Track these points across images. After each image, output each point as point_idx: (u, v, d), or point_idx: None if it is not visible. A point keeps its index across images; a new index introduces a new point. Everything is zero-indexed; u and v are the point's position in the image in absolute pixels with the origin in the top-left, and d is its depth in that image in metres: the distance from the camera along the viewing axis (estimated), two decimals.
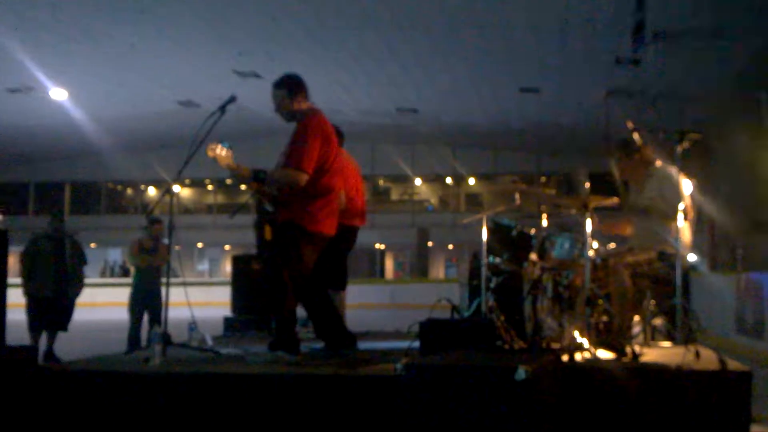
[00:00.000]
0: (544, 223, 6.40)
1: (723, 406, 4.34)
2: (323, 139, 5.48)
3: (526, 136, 32.03)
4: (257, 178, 5.45)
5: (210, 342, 6.39)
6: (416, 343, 5.37)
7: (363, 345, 6.25)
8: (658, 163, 5.96)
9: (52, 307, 10.07)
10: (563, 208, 6.38)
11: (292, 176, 5.41)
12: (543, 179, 38.23)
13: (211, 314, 9.02)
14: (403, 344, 5.72)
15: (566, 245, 5.88)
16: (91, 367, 5.19)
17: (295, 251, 5.43)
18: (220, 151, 5.47)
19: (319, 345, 5.78)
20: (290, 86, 5.65)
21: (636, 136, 5.98)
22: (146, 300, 10.53)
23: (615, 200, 5.63)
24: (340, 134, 7.66)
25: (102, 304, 26.21)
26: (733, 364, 4.53)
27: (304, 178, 5.36)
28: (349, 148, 7.45)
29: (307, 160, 5.37)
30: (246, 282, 8.90)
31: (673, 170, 5.71)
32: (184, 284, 6.03)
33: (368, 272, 41.54)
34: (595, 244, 5.81)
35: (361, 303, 23.54)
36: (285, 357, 5.30)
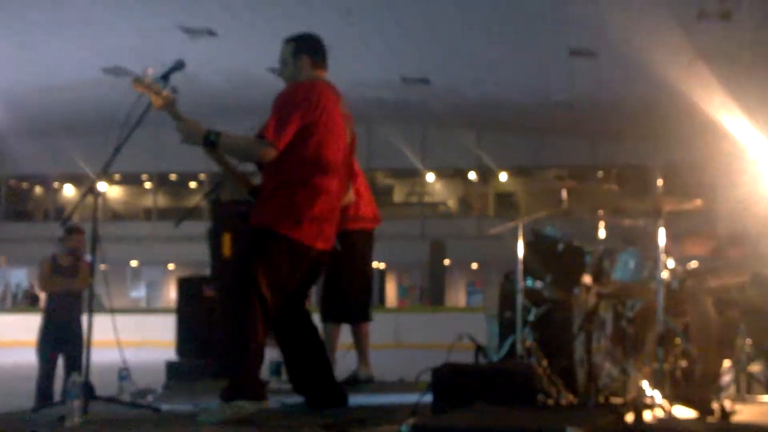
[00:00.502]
0: (602, 233, 6.40)
1: None
2: (308, 112, 5.53)
3: (578, 115, 32.04)
4: (208, 140, 5.45)
5: (149, 396, 6.38)
6: (428, 397, 5.37)
7: (356, 399, 6.25)
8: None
9: None
10: (628, 214, 6.38)
11: (252, 142, 5.50)
12: (600, 173, 38.25)
13: (149, 357, 9.05)
14: (411, 398, 5.71)
15: (631, 264, 5.88)
16: None
17: (268, 265, 5.44)
18: (155, 88, 5.49)
19: (295, 400, 5.79)
20: (299, 44, 5.89)
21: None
22: (62, 338, 10.51)
23: (698, 203, 5.64)
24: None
25: (2, 343, 26.21)
26: None
27: (268, 150, 5.43)
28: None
29: (277, 131, 5.44)
30: (196, 313, 8.90)
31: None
32: (113, 316, 6.03)
33: None
34: (671, 263, 5.82)
35: (351, 342, 23.55)
36: (247, 407, 5.29)
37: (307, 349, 5.64)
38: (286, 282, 5.53)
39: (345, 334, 7.78)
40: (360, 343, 7.85)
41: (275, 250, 5.48)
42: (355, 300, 7.63)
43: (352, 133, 6.00)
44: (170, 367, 8.66)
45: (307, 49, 5.88)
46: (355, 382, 7.51)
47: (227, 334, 5.60)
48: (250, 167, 6.01)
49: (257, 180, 5.86)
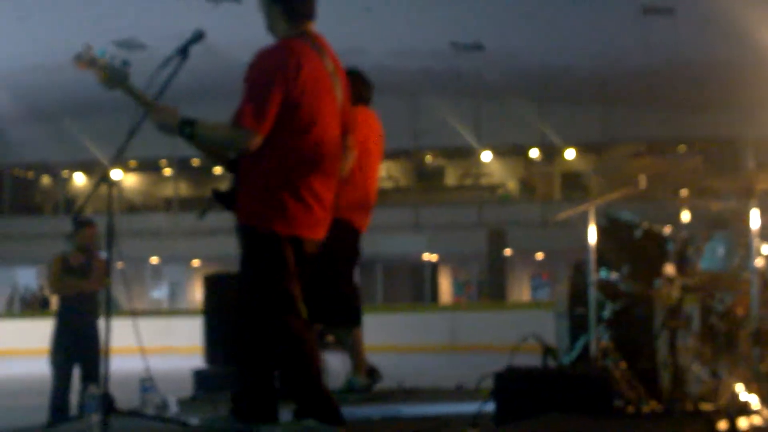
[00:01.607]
0: (686, 217, 6.37)
1: None
2: (289, 81, 5.30)
3: (655, 83, 31.86)
4: (183, 131, 5.33)
5: (174, 408, 6.43)
6: (490, 406, 5.37)
7: (408, 410, 6.27)
8: None
9: None
10: (716, 194, 6.35)
11: (230, 134, 5.32)
12: (682, 149, 38.01)
13: (174, 365, 9.12)
14: (470, 407, 5.73)
15: (720, 251, 5.86)
16: None
17: (261, 270, 5.40)
18: (102, 63, 5.44)
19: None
20: None
21: None
22: (77, 345, 10.63)
23: None
24: (364, 86, 7.68)
25: (9, 351, 26.54)
26: None
27: (251, 139, 5.23)
28: (379, 105, 7.48)
29: (256, 116, 5.24)
30: (226, 316, 8.95)
31: None
32: (134, 320, 6.09)
33: (413, 296, 41.59)
34: (766, 249, 5.78)
35: (402, 344, 23.62)
36: (317, 428, 5.27)
37: (299, 361, 5.58)
38: (286, 283, 5.48)
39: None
40: (354, 349, 7.77)
41: (281, 255, 5.38)
42: (356, 301, 7.59)
43: (346, 89, 5.73)
44: (198, 376, 8.72)
45: None
46: (351, 391, 7.45)
47: (280, 359, 5.55)
48: None
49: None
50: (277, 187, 5.34)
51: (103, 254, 10.38)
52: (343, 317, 7.49)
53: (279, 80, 5.29)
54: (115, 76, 5.47)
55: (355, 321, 7.60)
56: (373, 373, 7.62)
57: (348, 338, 7.59)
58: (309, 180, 5.39)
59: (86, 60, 5.45)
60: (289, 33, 5.51)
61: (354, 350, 7.65)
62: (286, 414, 5.79)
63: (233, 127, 5.25)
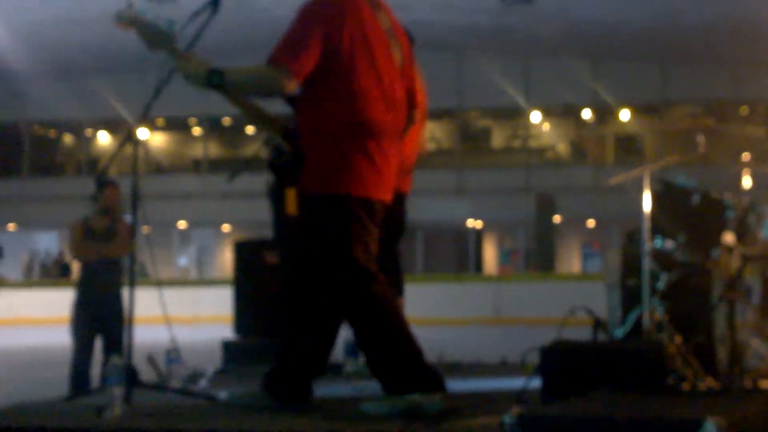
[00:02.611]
0: (747, 182, 6.34)
1: None
2: (336, 27, 5.27)
3: (713, 40, 31.67)
4: (211, 83, 5.30)
5: (202, 381, 6.47)
6: (536, 382, 5.38)
7: (450, 385, 6.29)
8: None
9: None
10: None
11: (263, 73, 5.31)
12: (744, 110, 37.78)
13: (202, 335, 9.17)
14: (515, 383, 5.74)
15: None
16: (13, 422, 5.30)
17: (349, 244, 5.38)
18: (143, 21, 5.39)
19: (371, 385, 5.81)
20: None
21: None
22: (99, 315, 10.70)
23: None
24: (408, 39, 7.68)
25: (28, 320, 26.78)
26: None
27: (285, 79, 5.18)
28: (421, 65, 7.47)
29: (288, 50, 5.20)
30: (257, 284, 8.99)
31: None
32: (159, 288, 6.12)
33: (457, 265, 41.62)
34: None
35: (444, 317, 23.64)
36: (419, 401, 5.26)
37: (395, 327, 5.54)
38: (368, 248, 5.47)
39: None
40: None
41: (356, 219, 5.36)
42: (398, 271, 7.60)
43: (408, 54, 5.74)
44: (227, 347, 8.76)
45: None
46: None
47: (361, 326, 5.55)
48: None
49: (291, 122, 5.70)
50: (345, 149, 5.33)
51: (127, 218, 10.42)
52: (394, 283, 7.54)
53: (319, 21, 5.25)
54: (159, 37, 5.41)
55: (398, 292, 7.65)
56: None
57: None
58: (375, 141, 5.37)
59: (128, 19, 5.39)
60: None
61: None
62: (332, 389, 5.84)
63: (266, 65, 5.21)
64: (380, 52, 5.42)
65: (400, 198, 7.31)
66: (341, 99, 5.31)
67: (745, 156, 6.41)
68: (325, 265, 5.43)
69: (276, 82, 5.19)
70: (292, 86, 5.21)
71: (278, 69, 5.17)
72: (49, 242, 42.14)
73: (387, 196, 5.53)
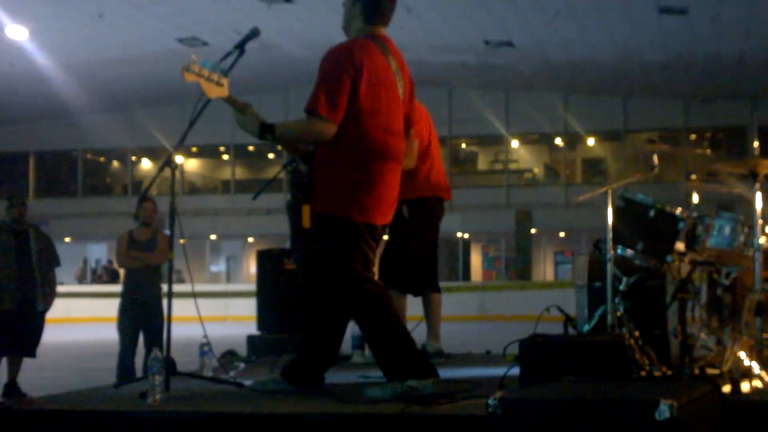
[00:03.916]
0: (695, 198, 6.34)
1: None
2: (357, 77, 5.33)
3: (669, 76, 31.63)
4: (264, 137, 5.40)
5: (231, 371, 6.47)
6: (515, 370, 5.38)
7: (443, 372, 6.28)
8: None
9: (14, 324, 10.25)
10: (723, 177, 6.31)
11: (307, 126, 5.36)
12: (693, 137, 37.72)
13: (230, 332, 9.16)
14: (498, 371, 5.73)
15: (727, 230, 5.82)
16: (68, 405, 5.30)
17: (356, 253, 5.42)
18: (206, 74, 5.41)
19: (377, 374, 5.82)
20: None
21: None
22: (142, 314, 10.69)
23: None
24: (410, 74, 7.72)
25: (81, 319, 26.76)
26: None
27: (327, 127, 5.26)
28: (418, 96, 7.47)
29: (328, 103, 5.25)
30: (276, 287, 8.99)
31: None
32: (194, 292, 6.11)
33: (448, 273, 41.55)
34: None
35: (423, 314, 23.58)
36: (416, 386, 5.27)
37: (392, 324, 5.58)
38: (364, 263, 5.51)
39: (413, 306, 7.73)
40: (430, 315, 7.84)
41: (359, 239, 5.42)
42: (422, 269, 7.61)
43: (409, 87, 5.74)
44: (251, 341, 8.75)
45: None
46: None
47: (368, 326, 5.58)
48: None
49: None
50: (352, 179, 5.39)
51: (166, 231, 10.42)
52: (428, 284, 7.56)
53: (348, 72, 5.31)
54: (217, 88, 5.47)
55: (436, 287, 7.68)
56: (442, 354, 7.71)
57: (430, 303, 7.68)
58: (379, 171, 5.44)
59: (194, 72, 5.41)
60: (360, 34, 5.55)
61: (431, 317, 7.73)
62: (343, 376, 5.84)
63: (310, 119, 5.30)
64: (388, 92, 5.50)
65: (441, 205, 7.39)
66: (353, 133, 5.36)
67: (694, 176, 6.41)
68: (332, 275, 5.49)
69: (321, 133, 5.30)
70: (333, 131, 5.28)
71: (321, 120, 5.26)
72: (99, 252, 42.11)
73: (386, 220, 5.60)
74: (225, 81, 5.47)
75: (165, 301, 6.12)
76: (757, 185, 5.36)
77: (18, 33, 26.24)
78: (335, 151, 5.37)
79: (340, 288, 5.49)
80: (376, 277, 5.55)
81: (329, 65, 5.37)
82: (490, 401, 4.16)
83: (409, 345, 5.48)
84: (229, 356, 8.05)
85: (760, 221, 5.35)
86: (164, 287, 8.99)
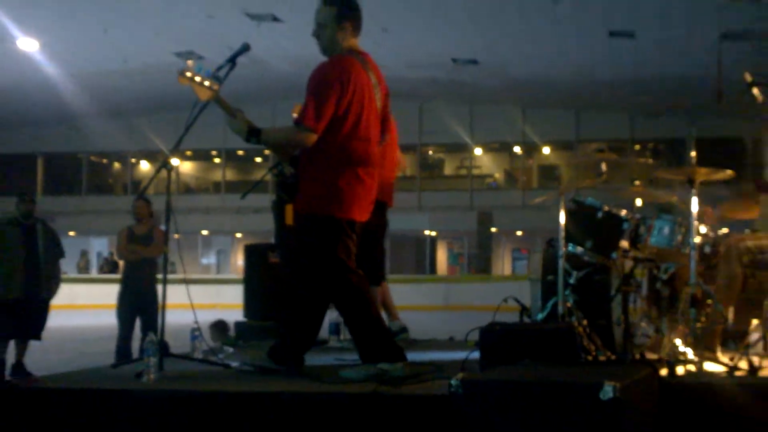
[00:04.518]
0: (639, 202, 6.37)
1: None
2: (343, 91, 5.35)
3: (617, 92, 31.76)
4: (249, 140, 5.38)
5: (219, 354, 6.46)
6: (476, 354, 5.39)
7: (409, 357, 6.29)
8: None
9: (21, 311, 10.20)
10: (663, 184, 6.36)
11: (291, 134, 5.42)
12: (637, 147, 37.89)
13: (219, 318, 9.11)
14: (460, 355, 5.74)
15: (666, 230, 5.86)
16: (70, 384, 5.28)
17: (339, 248, 5.43)
18: (199, 79, 5.38)
19: (352, 357, 5.83)
20: (342, 9, 5.55)
21: (755, 91, 5.95)
22: (139, 302, 10.66)
23: (729, 173, 5.59)
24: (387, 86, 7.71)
25: (84, 306, 26.61)
26: None
27: (309, 136, 5.28)
28: (392, 108, 7.48)
29: (315, 115, 5.27)
30: (262, 278, 8.96)
31: None
32: (186, 282, 6.10)
33: (416, 266, 41.58)
34: (703, 229, 5.79)
35: (406, 304, 23.59)
36: (387, 368, 5.27)
37: (369, 310, 5.59)
38: (347, 257, 5.53)
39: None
40: (385, 300, 7.85)
41: (341, 235, 5.44)
42: (377, 262, 7.62)
43: (385, 98, 5.76)
44: (238, 327, 8.73)
45: (350, 14, 5.56)
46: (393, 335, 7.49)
47: (348, 312, 5.58)
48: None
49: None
50: (334, 181, 5.40)
51: (162, 226, 10.39)
52: (374, 276, 7.56)
53: (336, 89, 5.33)
54: (209, 92, 5.43)
55: (381, 279, 7.69)
56: (404, 330, 7.72)
57: (378, 292, 7.66)
58: (358, 174, 5.46)
59: (187, 77, 5.39)
60: (344, 49, 5.55)
61: (386, 302, 7.73)
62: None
63: (295, 128, 5.35)
64: (368, 103, 5.52)
65: (384, 208, 7.36)
66: (336, 141, 5.39)
67: (637, 182, 6.44)
68: (317, 267, 5.48)
69: (304, 140, 5.33)
70: (314, 140, 5.31)
71: (304, 130, 5.29)
72: (101, 246, 41.91)
73: (364, 217, 5.60)
74: (217, 87, 5.44)
75: (160, 290, 6.10)
76: (693, 191, 5.39)
77: (29, 45, 26.17)
78: (319, 157, 5.39)
79: (325, 278, 5.49)
80: (355, 267, 5.53)
81: (319, 80, 5.38)
82: (452, 382, 4.17)
83: (383, 331, 5.52)
84: (218, 327, 8.04)
85: (696, 223, 5.38)
86: (159, 277, 8.97)
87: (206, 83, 5.40)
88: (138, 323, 10.74)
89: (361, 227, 5.63)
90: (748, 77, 5.96)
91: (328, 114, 5.30)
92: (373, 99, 5.59)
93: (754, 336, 5.54)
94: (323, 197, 5.41)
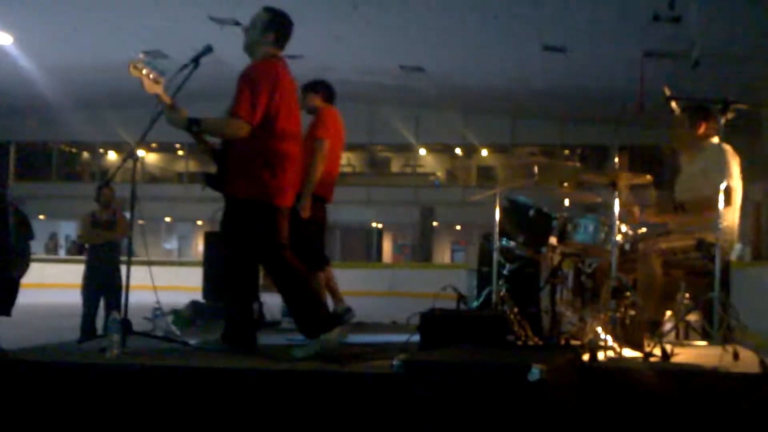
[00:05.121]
0: (566, 202, 6.43)
1: (763, 415, 4.39)
2: (273, 90, 5.42)
3: (549, 101, 31.99)
4: (190, 129, 5.40)
5: (178, 331, 6.41)
6: (416, 337, 5.41)
7: (355, 338, 6.30)
8: (713, 138, 5.97)
9: None
10: (589, 186, 6.42)
11: (228, 124, 5.42)
12: (566, 152, 38.23)
13: (179, 299, 9.05)
14: (402, 338, 5.77)
15: (591, 228, 5.91)
16: (38, 358, 5.22)
17: (274, 232, 5.46)
18: (147, 72, 5.40)
19: (300, 338, 5.82)
20: (273, 20, 5.66)
21: (673, 104, 6.03)
22: (102, 282, 10.55)
23: (648, 178, 5.65)
24: (331, 93, 7.68)
25: (52, 285, 26.28)
26: None
27: (244, 127, 5.32)
28: (342, 110, 7.47)
29: (249, 107, 5.33)
30: (219, 263, 8.91)
31: (718, 146, 5.78)
32: (149, 264, 6.05)
33: (363, 255, 41.60)
34: (624, 228, 5.85)
35: (353, 290, 23.60)
36: (330, 338, 5.31)
37: (308, 289, 5.59)
38: (285, 237, 5.56)
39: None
40: (329, 285, 7.81)
41: (273, 218, 5.48)
42: (317, 249, 7.60)
43: (297, 100, 5.88)
44: (198, 307, 8.67)
45: (277, 27, 5.65)
46: (339, 317, 7.47)
47: (286, 290, 5.58)
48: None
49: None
50: (267, 171, 5.44)
51: (126, 214, 10.30)
52: (316, 263, 7.53)
53: (267, 85, 5.39)
54: (155, 85, 5.45)
55: (323, 265, 7.66)
56: (349, 310, 7.70)
57: (318, 279, 7.63)
58: (283, 163, 5.51)
59: (138, 69, 5.38)
60: (269, 54, 5.61)
61: (331, 287, 7.71)
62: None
63: (232, 118, 5.35)
64: (293, 103, 5.63)
65: (324, 203, 7.33)
66: (266, 135, 5.43)
67: (566, 184, 6.49)
68: (255, 247, 5.52)
69: (239, 130, 5.34)
70: (247, 131, 5.33)
71: (240, 121, 5.31)
72: (69, 229, 41.39)
73: (289, 202, 5.66)
74: (161, 80, 5.47)
75: (122, 271, 6.05)
76: (616, 193, 5.45)
77: (3, 39, 25.82)
78: (253, 149, 5.43)
79: (263, 258, 5.53)
80: (288, 247, 5.58)
81: (253, 77, 5.44)
82: (394, 362, 4.19)
83: (318, 305, 5.56)
84: (174, 315, 7.98)
85: (618, 222, 5.44)
86: (122, 260, 8.89)
87: (151, 76, 5.42)
88: (102, 302, 10.64)
89: (287, 211, 5.66)
90: (667, 92, 6.03)
91: (261, 107, 5.35)
92: (295, 98, 5.72)
93: (668, 326, 5.61)
94: (259, 185, 5.45)
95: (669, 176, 6.39)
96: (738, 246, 6.12)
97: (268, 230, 5.46)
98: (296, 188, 5.72)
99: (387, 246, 44.33)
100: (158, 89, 5.45)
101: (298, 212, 6.28)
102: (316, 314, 5.45)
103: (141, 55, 5.91)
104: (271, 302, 7.63)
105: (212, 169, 5.66)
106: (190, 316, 8.30)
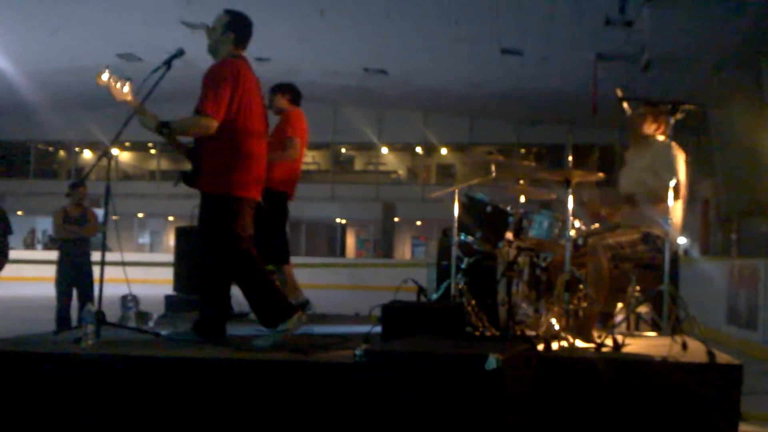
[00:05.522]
0: (522, 199, 6.44)
1: (710, 402, 4.42)
2: (236, 87, 5.42)
3: (506, 102, 32.12)
4: (161, 132, 5.41)
5: (151, 322, 6.36)
6: (378, 328, 5.39)
7: (319, 329, 6.28)
8: (660, 136, 6.00)
9: None
10: (543, 183, 6.43)
11: (195, 122, 5.40)
12: (522, 151, 38.41)
13: (152, 292, 8.98)
14: (364, 329, 5.74)
15: (545, 224, 5.92)
16: (14, 348, 5.15)
17: (238, 224, 5.43)
18: (113, 81, 5.43)
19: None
20: (232, 21, 5.68)
21: (625, 105, 6.05)
22: (74, 276, 10.47)
23: (600, 175, 5.67)
24: (297, 95, 7.66)
25: (29, 278, 26.00)
26: (722, 357, 4.61)
27: (211, 123, 5.33)
28: (307, 111, 7.44)
29: (213, 104, 5.33)
30: (190, 257, 8.85)
31: (666, 143, 5.80)
32: (123, 260, 5.99)
33: (327, 250, 41.56)
34: (577, 223, 5.87)
35: (317, 283, 23.59)
36: (289, 326, 5.32)
37: (265, 281, 5.56)
38: (247, 231, 5.53)
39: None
40: (289, 280, 7.79)
41: (238, 211, 5.47)
42: (279, 246, 7.57)
43: (262, 98, 5.83)
44: (168, 300, 8.62)
45: (237, 28, 5.68)
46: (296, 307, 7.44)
47: (244, 282, 5.54)
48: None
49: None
50: (230, 165, 5.44)
51: (97, 209, 10.23)
52: (280, 257, 7.49)
53: (230, 83, 5.40)
54: (122, 95, 5.56)
55: (287, 259, 7.62)
56: (307, 303, 7.68)
57: (283, 272, 7.60)
58: (249, 159, 5.51)
59: (104, 79, 5.52)
60: (231, 54, 5.62)
61: (290, 280, 7.68)
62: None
63: (198, 115, 5.35)
64: (256, 100, 5.61)
65: (286, 199, 7.30)
66: (232, 132, 5.42)
67: (522, 182, 6.50)
68: (216, 238, 5.49)
69: (207, 128, 5.35)
70: (215, 127, 5.34)
71: (206, 117, 5.32)
72: (46, 224, 40.92)
73: (256, 196, 5.64)
74: (129, 87, 5.49)
75: (95, 266, 5.98)
76: (569, 190, 5.46)
77: None
78: (219, 146, 5.41)
79: (221, 248, 5.49)
80: (250, 240, 5.57)
81: (216, 75, 5.45)
82: (357, 352, 4.17)
83: (276, 295, 5.52)
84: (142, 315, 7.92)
85: (571, 218, 5.46)
86: (95, 254, 8.79)
87: (118, 84, 5.52)
88: (76, 294, 10.55)
89: (254, 204, 5.65)
90: (619, 93, 6.05)
91: (224, 104, 5.35)
92: (258, 97, 5.69)
93: (619, 317, 5.63)
94: (226, 179, 5.44)
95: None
96: (683, 240, 6.15)
97: (229, 221, 5.44)
98: (261, 184, 5.68)
99: (350, 241, 44.26)
100: (126, 96, 5.50)
101: (263, 208, 6.24)
102: (274, 304, 5.44)
103: (105, 68, 5.86)
104: (240, 294, 7.57)
105: (188, 167, 5.62)
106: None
